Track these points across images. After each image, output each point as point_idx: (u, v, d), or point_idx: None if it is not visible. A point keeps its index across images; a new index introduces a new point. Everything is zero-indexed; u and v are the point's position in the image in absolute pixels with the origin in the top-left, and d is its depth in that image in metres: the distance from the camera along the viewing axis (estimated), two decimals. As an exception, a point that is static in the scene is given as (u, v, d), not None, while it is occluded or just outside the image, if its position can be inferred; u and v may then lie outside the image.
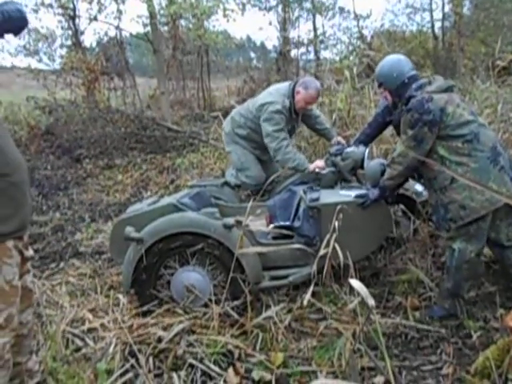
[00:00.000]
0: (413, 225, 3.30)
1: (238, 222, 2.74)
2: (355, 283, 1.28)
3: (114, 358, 2.25)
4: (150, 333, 2.43)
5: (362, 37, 10.82)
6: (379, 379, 2.15)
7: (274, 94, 3.78)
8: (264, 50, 24.36)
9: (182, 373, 2.20)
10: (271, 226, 2.94)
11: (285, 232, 2.91)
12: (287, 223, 3.05)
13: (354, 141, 3.49)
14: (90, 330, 2.53)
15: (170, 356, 2.28)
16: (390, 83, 2.69)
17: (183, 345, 2.34)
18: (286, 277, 2.85)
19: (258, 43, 28.10)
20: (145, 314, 2.64)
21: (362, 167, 3.28)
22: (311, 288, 2.39)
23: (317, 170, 3.48)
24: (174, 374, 2.18)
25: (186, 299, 2.71)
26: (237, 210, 3.50)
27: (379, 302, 2.88)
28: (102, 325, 2.54)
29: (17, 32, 1.70)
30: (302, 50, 15.06)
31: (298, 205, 3.13)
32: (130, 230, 2.68)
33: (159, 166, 7.01)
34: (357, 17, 13.68)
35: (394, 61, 2.73)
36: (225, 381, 2.18)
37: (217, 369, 2.25)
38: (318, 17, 14.81)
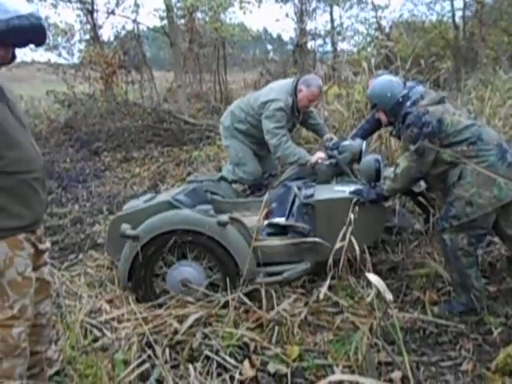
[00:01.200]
0: (432, 218, 3.25)
1: (232, 219, 2.76)
2: (372, 277, 1.26)
3: (130, 349, 2.26)
4: (165, 324, 2.44)
5: (380, 27, 10.63)
6: (396, 374, 2.12)
7: (277, 91, 3.76)
8: (281, 42, 24.25)
9: (198, 364, 2.21)
10: (266, 221, 2.93)
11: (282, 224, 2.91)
12: (282, 219, 3.02)
13: (352, 136, 3.49)
14: (107, 321, 2.55)
15: (186, 348, 2.29)
16: (385, 103, 2.74)
17: (199, 337, 2.34)
18: (280, 273, 2.85)
19: (275, 35, 27.97)
20: (160, 306, 2.65)
21: (359, 160, 3.25)
22: (328, 281, 2.38)
23: (319, 161, 3.44)
24: (190, 366, 2.19)
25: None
26: (233, 205, 3.52)
27: (397, 296, 2.85)
28: (120, 316, 2.56)
29: (35, 43, 1.64)
30: (319, 41, 14.92)
31: (294, 201, 3.11)
32: (125, 228, 2.69)
33: (176, 159, 7.05)
34: (375, 7, 13.46)
35: (386, 82, 2.80)
36: (240, 373, 2.18)
37: (232, 361, 2.24)
38: (335, 8, 14.62)
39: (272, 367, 2.23)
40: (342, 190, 2.98)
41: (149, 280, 2.78)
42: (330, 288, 2.77)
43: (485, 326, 2.50)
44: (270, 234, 2.95)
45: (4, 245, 1.61)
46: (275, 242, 2.85)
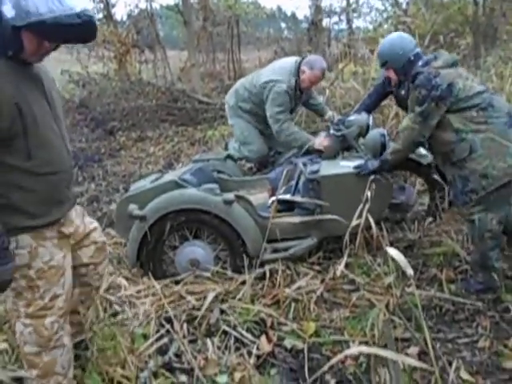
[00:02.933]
0: (448, 196, 3.22)
1: (238, 197, 2.76)
2: (393, 251, 1.25)
3: (149, 324, 2.31)
4: (183, 300, 2.48)
5: (397, 3, 10.39)
6: (413, 350, 2.13)
7: (280, 71, 3.72)
8: (295, 21, 23.84)
9: (216, 339, 2.24)
10: (272, 198, 2.92)
11: (294, 200, 2.91)
12: (288, 196, 3.02)
13: (354, 111, 3.44)
14: (126, 297, 2.59)
15: (204, 323, 2.33)
16: (396, 61, 2.64)
17: (216, 312, 2.37)
18: (287, 249, 2.86)
19: (289, 13, 27.52)
20: (177, 283, 2.69)
21: (366, 134, 3.21)
22: (344, 259, 2.38)
23: (322, 148, 3.40)
24: (208, 340, 2.23)
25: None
26: (239, 183, 3.52)
27: (414, 273, 2.84)
28: (138, 292, 2.61)
29: (83, 41, 1.56)
30: (335, 19, 14.63)
31: (299, 177, 3.10)
32: (133, 208, 2.71)
33: (191, 138, 7.04)
34: (392, -18, 13.10)
35: (398, 39, 2.70)
36: (258, 348, 2.21)
37: (250, 336, 2.28)
38: (351, -17, 14.26)
39: (289, 343, 2.26)
40: (347, 166, 2.96)
41: (158, 260, 2.81)
42: (346, 265, 2.78)
43: (502, 303, 2.49)
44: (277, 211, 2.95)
45: (27, 237, 1.60)
46: (287, 219, 2.84)
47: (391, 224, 3.39)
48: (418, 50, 2.66)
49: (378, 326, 2.25)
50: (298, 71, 3.68)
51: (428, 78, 2.44)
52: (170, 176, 3.06)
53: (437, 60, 2.54)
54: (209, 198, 2.73)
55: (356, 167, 2.87)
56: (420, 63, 2.56)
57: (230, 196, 2.72)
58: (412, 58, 2.60)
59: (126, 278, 2.77)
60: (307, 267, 2.90)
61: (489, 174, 2.37)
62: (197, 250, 2.80)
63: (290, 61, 3.82)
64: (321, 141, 3.44)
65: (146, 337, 2.24)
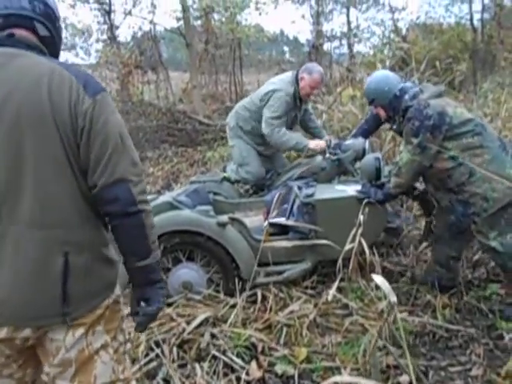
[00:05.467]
0: (430, 225, 3.21)
1: (232, 220, 2.76)
2: (378, 278, 1.25)
3: (138, 347, 2.28)
4: (173, 323, 2.45)
5: (396, 30, 10.58)
6: (405, 378, 2.10)
7: (278, 82, 3.79)
8: (297, 44, 24.21)
9: (205, 364, 2.21)
10: (267, 222, 2.91)
11: (287, 224, 2.90)
12: (283, 219, 3.02)
13: (352, 135, 3.48)
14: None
15: (194, 347, 2.30)
16: (382, 98, 2.73)
17: (207, 337, 2.35)
18: (281, 273, 2.85)
19: (291, 37, 27.95)
20: (169, 305, 2.66)
21: (363, 158, 3.21)
22: (336, 283, 2.36)
23: (318, 148, 3.39)
24: (197, 365, 2.19)
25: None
26: (235, 205, 3.52)
27: (407, 299, 2.82)
28: (128, 314, 2.56)
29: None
30: (336, 43, 14.88)
31: (294, 200, 3.10)
32: None
33: (190, 159, 7.09)
34: (392, 9, 13.38)
35: (382, 76, 2.80)
36: (247, 374, 2.17)
37: (240, 361, 2.24)
38: (351, 10, 14.57)
39: (279, 368, 2.22)
40: (343, 190, 2.97)
41: None
42: (339, 290, 2.77)
43: (496, 330, 2.47)
44: (270, 234, 2.94)
45: None
46: (280, 243, 2.83)
47: (387, 248, 3.38)
48: (403, 84, 2.73)
49: (369, 352, 2.22)
50: (296, 80, 3.73)
51: (419, 109, 2.50)
52: (166, 197, 3.06)
53: (423, 93, 2.61)
54: (202, 219, 2.72)
55: (360, 192, 2.86)
56: (407, 97, 2.62)
57: (224, 218, 2.72)
58: (398, 94, 2.67)
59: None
60: (300, 291, 2.87)
61: (489, 197, 2.41)
62: (190, 272, 2.78)
63: (287, 73, 3.90)
64: (317, 143, 3.45)
65: (134, 360, 2.21)
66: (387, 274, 3.12)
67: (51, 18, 1.33)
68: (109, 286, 1.36)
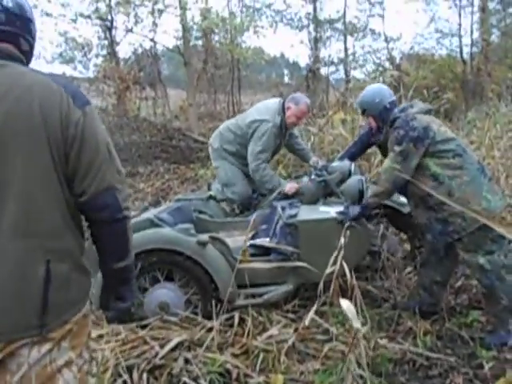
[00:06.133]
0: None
1: (213, 239, 2.71)
2: (344, 303, 1.21)
3: (106, 372, 2.18)
4: (146, 346, 2.36)
5: (391, 58, 10.82)
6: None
7: (265, 111, 3.80)
8: (296, 67, 24.52)
9: (176, 391, 2.13)
10: (249, 242, 2.88)
11: (266, 245, 2.88)
12: (267, 239, 2.98)
13: (339, 157, 3.52)
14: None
15: (165, 373, 2.21)
16: (373, 109, 2.81)
17: (180, 362, 2.26)
18: (261, 295, 2.79)
19: (291, 60, 28.33)
20: (143, 327, 2.58)
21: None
22: (314, 308, 2.31)
23: (291, 192, 3.45)
24: (167, 393, 2.12)
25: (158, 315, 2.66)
26: (219, 224, 3.47)
27: (389, 325, 2.77)
28: (100, 336, 2.48)
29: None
30: (332, 68, 15.10)
31: (278, 221, 3.07)
32: None
33: (181, 177, 7.06)
34: (387, 39, 13.66)
35: (375, 89, 2.90)
36: (219, 401, 2.10)
37: (212, 389, 2.17)
38: (348, 37, 14.84)
39: (254, 396, 2.16)
40: (326, 211, 2.95)
41: None
42: (321, 314, 2.72)
43: (476, 359, 2.41)
44: (252, 255, 2.90)
45: None
46: (259, 264, 2.79)
47: (371, 272, 3.34)
48: (394, 98, 2.83)
49: (347, 381, 2.16)
50: (282, 109, 3.75)
51: (405, 120, 2.60)
52: (147, 214, 3.02)
53: (413, 107, 2.71)
54: (182, 238, 2.67)
55: (338, 213, 2.85)
56: (396, 110, 2.72)
57: (204, 237, 2.67)
58: (388, 106, 2.76)
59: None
60: (281, 315, 2.81)
61: (466, 217, 2.45)
62: (167, 292, 2.70)
63: (273, 101, 3.92)
64: (291, 186, 3.47)
65: (100, 387, 2.13)
66: (371, 299, 3.08)
67: (33, 33, 1.36)
68: (85, 296, 1.35)
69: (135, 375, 2.17)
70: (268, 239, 3.02)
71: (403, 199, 3.11)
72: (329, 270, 2.51)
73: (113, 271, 1.39)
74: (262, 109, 3.86)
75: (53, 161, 1.20)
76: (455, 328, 2.68)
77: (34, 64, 1.53)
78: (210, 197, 3.79)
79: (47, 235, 1.22)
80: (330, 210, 2.93)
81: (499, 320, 2.55)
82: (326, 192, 3.31)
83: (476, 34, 12.08)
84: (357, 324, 1.20)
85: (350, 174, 3.23)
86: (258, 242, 2.94)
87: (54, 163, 1.21)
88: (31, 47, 1.36)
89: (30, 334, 1.20)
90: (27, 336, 1.20)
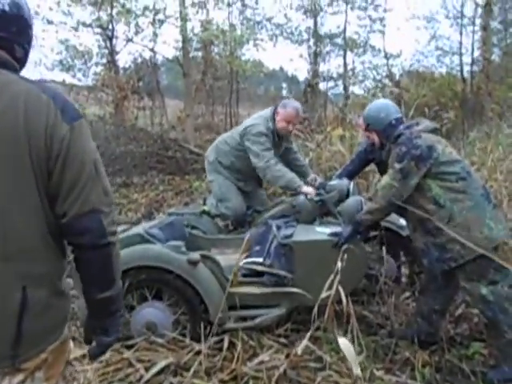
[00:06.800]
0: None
1: (204, 257, 2.61)
2: (343, 343, 1.10)
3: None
4: (131, 369, 2.25)
5: (390, 75, 10.81)
6: None
7: (257, 118, 3.75)
8: (295, 81, 24.63)
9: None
10: (242, 261, 2.77)
11: (259, 269, 2.76)
12: (260, 259, 2.87)
13: (336, 176, 3.43)
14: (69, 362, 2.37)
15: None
16: (378, 124, 2.71)
17: (165, 388, 2.15)
18: (253, 318, 2.68)
19: (290, 74, 28.47)
20: (129, 347, 2.47)
21: (347, 199, 3.15)
22: (308, 334, 2.20)
23: (309, 196, 3.29)
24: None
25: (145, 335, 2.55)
26: (212, 241, 3.37)
27: (385, 354, 2.65)
28: (83, 356, 2.37)
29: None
30: (331, 83, 15.12)
31: (272, 240, 2.97)
32: None
33: (176, 188, 6.97)
34: (386, 55, 13.70)
35: (382, 104, 2.82)
36: (205, 431, 1.98)
37: (197, 418, 2.05)
38: (348, 53, 14.89)
39: (240, 427, 2.03)
40: (322, 232, 2.85)
41: None
42: (314, 340, 2.60)
43: (477, 396, 2.30)
44: (245, 275, 2.79)
45: None
46: (251, 289, 2.67)
47: (368, 296, 3.23)
48: (400, 115, 2.73)
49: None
50: (273, 115, 3.67)
51: (409, 137, 2.50)
52: (137, 229, 2.91)
53: (418, 125, 2.61)
54: (172, 256, 2.56)
55: (331, 235, 2.77)
56: (401, 127, 2.62)
57: (195, 256, 2.55)
58: (393, 122, 2.66)
59: (73, 338, 2.54)
60: (272, 339, 2.69)
61: (466, 244, 2.26)
62: (155, 312, 2.58)
63: (266, 109, 3.84)
64: (310, 190, 3.33)
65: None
66: (366, 324, 2.97)
67: (29, 39, 1.28)
68: (63, 322, 1.27)
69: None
70: (261, 259, 2.90)
71: (403, 221, 3.02)
72: (324, 294, 2.40)
73: (96, 302, 1.26)
74: (256, 117, 3.80)
75: (35, 178, 1.12)
76: (455, 360, 2.55)
77: (35, 71, 1.44)
78: (204, 212, 3.68)
79: (26, 258, 1.13)
80: (327, 231, 2.83)
81: (503, 354, 2.42)
82: (322, 211, 3.20)
83: (477, 53, 12.16)
84: (357, 369, 1.09)
85: (348, 194, 3.14)
86: (251, 263, 2.82)
87: (35, 180, 1.12)
88: (26, 53, 1.28)
89: (1, 365, 1.11)
90: None
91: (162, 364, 2.26)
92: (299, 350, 2.13)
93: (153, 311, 2.58)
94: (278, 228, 2.97)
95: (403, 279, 3.42)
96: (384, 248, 3.14)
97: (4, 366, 1.11)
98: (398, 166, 2.47)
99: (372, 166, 4.02)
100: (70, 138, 1.14)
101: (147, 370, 2.25)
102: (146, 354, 2.39)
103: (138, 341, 2.52)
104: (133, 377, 2.21)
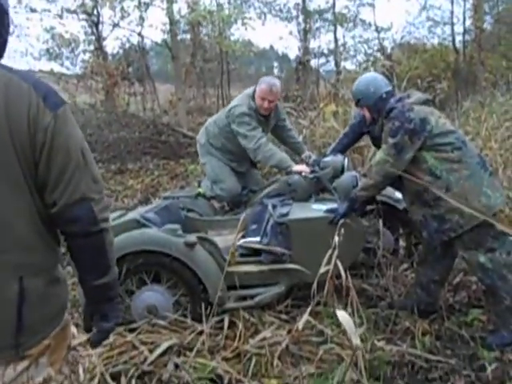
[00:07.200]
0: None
1: (202, 239, 2.60)
2: (342, 316, 1.10)
3: (93, 380, 2.08)
4: (135, 351, 2.27)
5: (382, 48, 10.71)
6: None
7: (240, 97, 3.70)
8: (286, 60, 24.37)
9: (165, 398, 2.04)
10: (240, 241, 2.76)
11: (256, 247, 2.76)
12: (257, 238, 2.87)
13: (331, 150, 3.38)
14: (72, 347, 2.39)
15: (155, 379, 2.12)
16: (368, 99, 2.67)
17: (170, 367, 2.17)
18: (252, 297, 2.69)
19: (281, 53, 28.12)
20: (132, 330, 2.48)
21: (342, 175, 3.12)
22: (309, 309, 2.21)
23: (302, 173, 3.28)
24: (157, 400, 2.02)
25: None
26: (208, 223, 3.36)
27: (386, 325, 2.68)
28: (87, 341, 2.39)
29: None
30: (322, 60, 14.98)
31: (268, 219, 2.96)
32: None
33: (171, 172, 6.94)
34: (377, 29, 13.55)
35: (370, 78, 2.76)
36: (210, 408, 2.01)
37: (203, 395, 2.07)
38: (338, 28, 14.71)
39: (245, 402, 2.06)
40: (319, 209, 2.85)
41: None
42: (315, 315, 2.62)
43: (478, 360, 2.32)
44: (242, 255, 2.80)
45: None
46: (249, 267, 2.68)
47: (366, 269, 3.25)
48: (390, 88, 2.68)
49: (343, 384, 2.06)
50: (253, 93, 3.62)
51: (402, 111, 2.45)
52: (133, 214, 2.89)
53: (410, 97, 2.56)
54: (169, 239, 2.56)
55: (328, 211, 2.76)
56: (392, 100, 2.57)
57: (192, 238, 2.55)
58: (384, 96, 2.62)
59: (77, 325, 2.55)
60: (273, 316, 2.71)
61: (464, 213, 2.32)
62: (155, 295, 2.59)
63: (251, 88, 3.77)
64: (302, 168, 3.31)
65: (87, 395, 2.03)
66: (366, 297, 2.99)
67: (5, 22, 1.20)
68: (63, 308, 1.27)
69: (123, 382, 2.06)
70: (258, 238, 2.91)
71: (399, 195, 3.02)
72: (322, 269, 2.42)
73: (92, 289, 1.26)
74: (239, 96, 3.75)
75: (21, 169, 1.09)
76: (455, 327, 2.59)
77: (22, 61, 1.37)
78: (199, 194, 3.67)
79: (19, 249, 1.12)
80: (323, 208, 2.82)
81: (501, 320, 2.45)
82: (318, 188, 3.20)
83: (468, 22, 12.02)
84: (356, 340, 1.09)
85: (343, 170, 3.12)
86: (248, 242, 2.82)
87: (23, 173, 1.10)
88: (4, 42, 1.21)
89: (4, 354, 1.12)
90: (2, 357, 1.12)
91: (165, 345, 2.28)
92: (300, 325, 2.14)
93: (152, 294, 2.59)
94: (274, 207, 2.97)
95: (401, 251, 3.44)
96: (381, 221, 3.15)
97: (7, 356, 1.12)
98: (391, 140, 2.44)
99: (367, 141, 4.00)
100: (55, 126, 1.11)
101: (151, 351, 2.27)
102: (149, 336, 2.40)
103: (140, 324, 2.53)
104: (137, 359, 2.23)
